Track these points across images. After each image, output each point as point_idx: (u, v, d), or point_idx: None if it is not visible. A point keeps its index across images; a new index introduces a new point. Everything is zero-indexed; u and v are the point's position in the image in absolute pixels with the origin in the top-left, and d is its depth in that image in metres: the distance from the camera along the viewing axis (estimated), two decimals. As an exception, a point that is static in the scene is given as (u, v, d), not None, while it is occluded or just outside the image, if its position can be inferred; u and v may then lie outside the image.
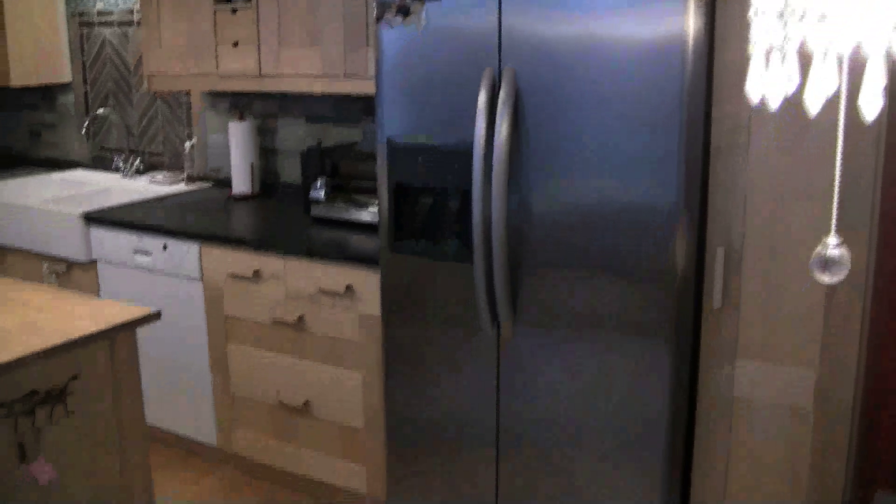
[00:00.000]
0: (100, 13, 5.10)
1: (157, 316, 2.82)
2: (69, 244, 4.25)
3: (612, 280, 2.76)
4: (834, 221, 1.23)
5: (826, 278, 1.23)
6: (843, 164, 1.42)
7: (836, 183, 1.22)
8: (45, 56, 5.18)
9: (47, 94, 5.47)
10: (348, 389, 3.53)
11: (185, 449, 4.27)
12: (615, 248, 2.73)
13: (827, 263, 1.21)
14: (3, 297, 2.97)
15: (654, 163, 2.62)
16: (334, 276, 3.44)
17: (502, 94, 2.79)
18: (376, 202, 3.66)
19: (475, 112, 2.84)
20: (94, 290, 4.22)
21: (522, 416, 3.02)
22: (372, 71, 3.53)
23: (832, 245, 1.22)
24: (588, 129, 2.71)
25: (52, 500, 2.73)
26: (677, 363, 2.75)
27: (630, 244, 2.70)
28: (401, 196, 3.11)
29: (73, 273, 4.31)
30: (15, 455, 2.59)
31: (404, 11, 2.99)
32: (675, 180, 2.60)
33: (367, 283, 3.36)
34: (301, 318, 3.57)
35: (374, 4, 3.04)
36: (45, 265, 4.40)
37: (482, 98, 2.82)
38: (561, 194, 2.79)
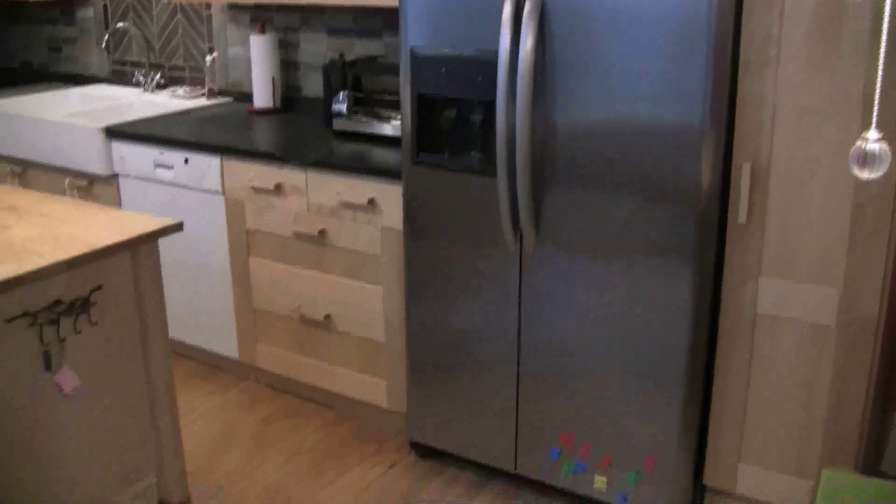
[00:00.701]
0: (118, -76, 5.03)
1: (178, 227, 2.82)
2: (90, 159, 4.24)
3: (636, 197, 2.73)
4: (875, 115, 1.20)
5: (865, 174, 1.20)
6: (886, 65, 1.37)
7: (879, 76, 1.19)
8: (63, -32, 5.13)
9: (66, 8, 5.42)
10: (369, 303, 3.54)
11: (208, 363, 4.31)
12: (640, 165, 2.70)
13: (866, 158, 1.18)
14: (25, 210, 2.98)
15: (682, 78, 2.57)
16: (356, 189, 3.42)
17: (528, 6, 2.73)
18: (399, 116, 3.63)
19: (500, 23, 2.80)
20: (116, 204, 4.22)
21: (544, 332, 3.02)
22: (394, -18, 3.47)
23: (872, 139, 1.18)
24: (614, 43, 2.66)
25: (77, 409, 2.76)
26: (700, 281, 2.73)
27: (655, 160, 2.67)
28: (424, 108, 3.08)
29: (94, 188, 4.31)
30: (40, 364, 2.62)
31: (427, -79, 2.93)
32: (702, 95, 2.56)
33: (390, 196, 3.34)
34: (323, 232, 3.56)
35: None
36: (67, 180, 4.40)
37: (507, 9, 2.77)
38: (586, 110, 2.75)
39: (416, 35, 3.02)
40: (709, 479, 3.01)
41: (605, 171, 2.76)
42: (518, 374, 3.13)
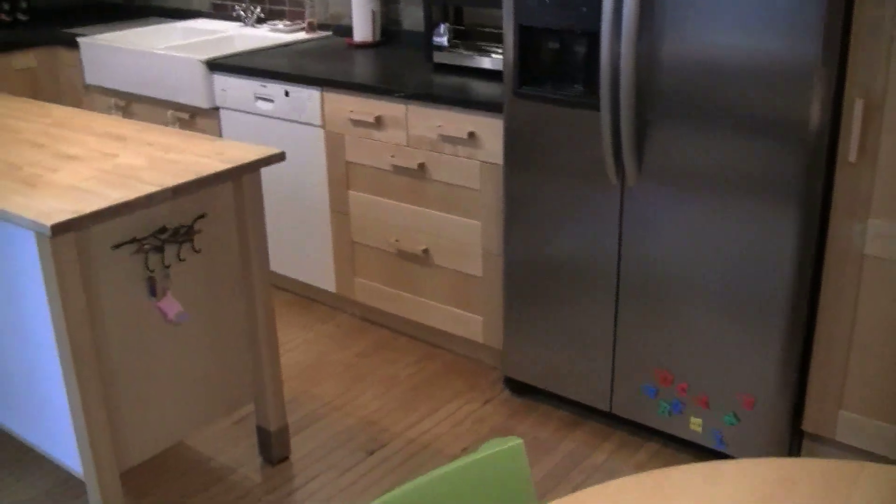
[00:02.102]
0: None
1: (281, 156, 2.83)
2: (192, 91, 4.28)
3: (742, 132, 2.66)
4: None
5: None
6: None
7: None
8: None
9: (168, -59, 5.46)
10: (467, 237, 3.53)
11: (304, 295, 4.35)
12: (747, 99, 2.62)
13: None
14: (131, 139, 3.02)
15: (793, 9, 2.48)
16: (456, 122, 3.40)
17: (636, -68, 2.67)
18: (500, 49, 3.58)
19: (606, -48, 2.74)
20: (217, 136, 4.27)
21: (643, 267, 2.98)
22: (496, -88, 3.41)
23: None
24: (726, -31, 2.58)
25: (179, 335, 2.81)
26: (806, 219, 2.66)
27: (763, 95, 2.59)
28: (526, 40, 3.03)
29: (196, 120, 4.35)
30: (145, 290, 2.66)
31: None
32: (814, 28, 2.47)
33: (490, 129, 3.31)
34: (422, 165, 3.55)
35: None
36: (169, 112, 4.45)
37: (614, -63, 2.71)
38: (693, 43, 2.68)
39: (519, -35, 2.97)
40: (807, 424, 2.95)
41: (710, 105, 2.69)
42: (616, 308, 3.09)
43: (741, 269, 2.79)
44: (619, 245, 3.02)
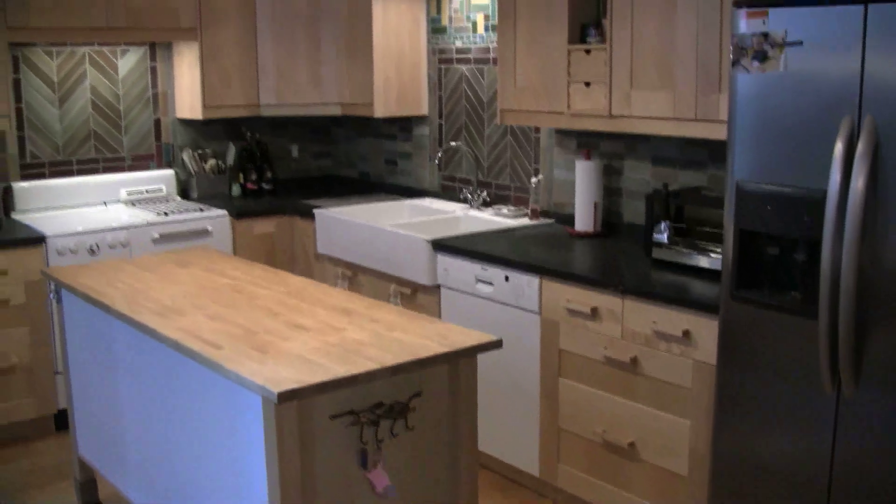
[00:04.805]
0: (458, 51, 5.35)
1: (498, 344, 2.92)
2: (416, 268, 4.47)
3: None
4: None
5: None
6: None
7: None
8: (406, 91, 5.51)
9: (405, 125, 5.80)
10: (675, 434, 3.49)
11: (507, 475, 4.37)
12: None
13: None
14: (357, 314, 3.19)
15: None
16: (672, 319, 3.42)
17: (861, 146, 2.68)
18: (719, 248, 3.61)
19: (830, 161, 2.75)
20: (436, 313, 4.42)
21: (857, 477, 2.87)
22: (723, 115, 3.49)
23: None
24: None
25: (386, 507, 2.88)
26: None
27: None
28: (746, 243, 3.06)
29: (417, 296, 4.53)
30: (357, 460, 2.76)
31: (761, 57, 2.95)
32: None
33: (705, 329, 3.31)
34: (634, 359, 3.57)
35: (730, 49, 3.02)
36: (392, 286, 4.66)
37: (839, 148, 2.73)
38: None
39: (742, 169, 3.02)
40: None
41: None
42: (829, 524, 2.98)
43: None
44: (832, 453, 2.92)
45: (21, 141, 5.35)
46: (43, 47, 5.37)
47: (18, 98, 5.32)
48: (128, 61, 5.68)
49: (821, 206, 2.80)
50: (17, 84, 5.30)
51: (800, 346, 2.95)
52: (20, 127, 5.34)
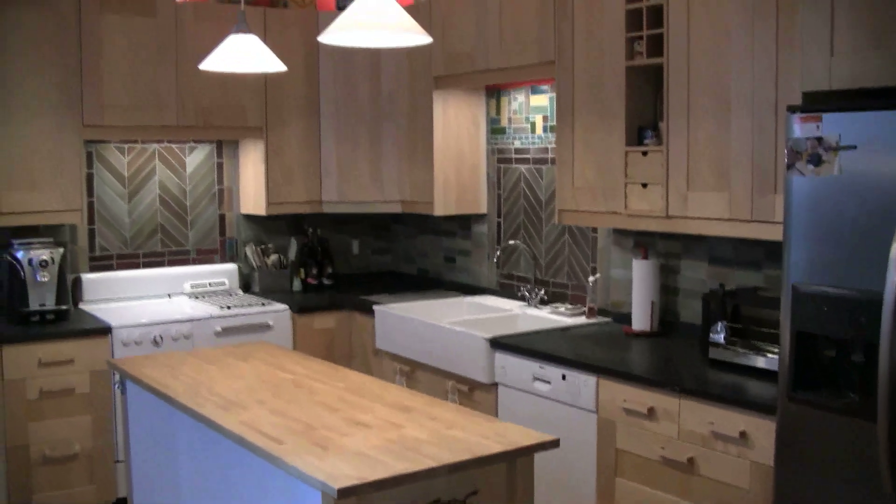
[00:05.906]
0: (517, 150, 5.46)
1: (555, 443, 2.95)
2: (474, 365, 4.51)
3: None
4: None
5: None
6: None
7: None
8: (465, 189, 5.61)
9: (465, 223, 5.90)
10: (734, 538, 3.47)
11: (565, 576, 4.34)
12: None
13: None
14: (416, 411, 3.24)
15: None
16: (729, 419, 3.42)
17: (915, 247, 2.71)
18: (775, 349, 3.61)
19: (885, 262, 2.77)
20: (493, 411, 4.44)
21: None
22: (778, 216, 3.53)
23: None
24: None
25: None
26: None
27: None
28: (802, 344, 3.06)
29: (474, 393, 4.57)
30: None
31: (816, 161, 2.99)
32: None
33: (762, 430, 3.31)
34: (691, 460, 3.56)
35: (786, 152, 3.07)
36: (450, 383, 4.70)
37: (895, 249, 2.75)
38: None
39: (798, 271, 3.05)
40: None
41: None
42: None
43: None
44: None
45: (91, 233, 5.54)
46: (116, 144, 5.57)
47: (90, 192, 5.51)
48: (195, 158, 5.87)
49: (877, 308, 2.81)
50: (89, 178, 5.50)
51: (858, 448, 2.93)
52: (91, 220, 5.53)
